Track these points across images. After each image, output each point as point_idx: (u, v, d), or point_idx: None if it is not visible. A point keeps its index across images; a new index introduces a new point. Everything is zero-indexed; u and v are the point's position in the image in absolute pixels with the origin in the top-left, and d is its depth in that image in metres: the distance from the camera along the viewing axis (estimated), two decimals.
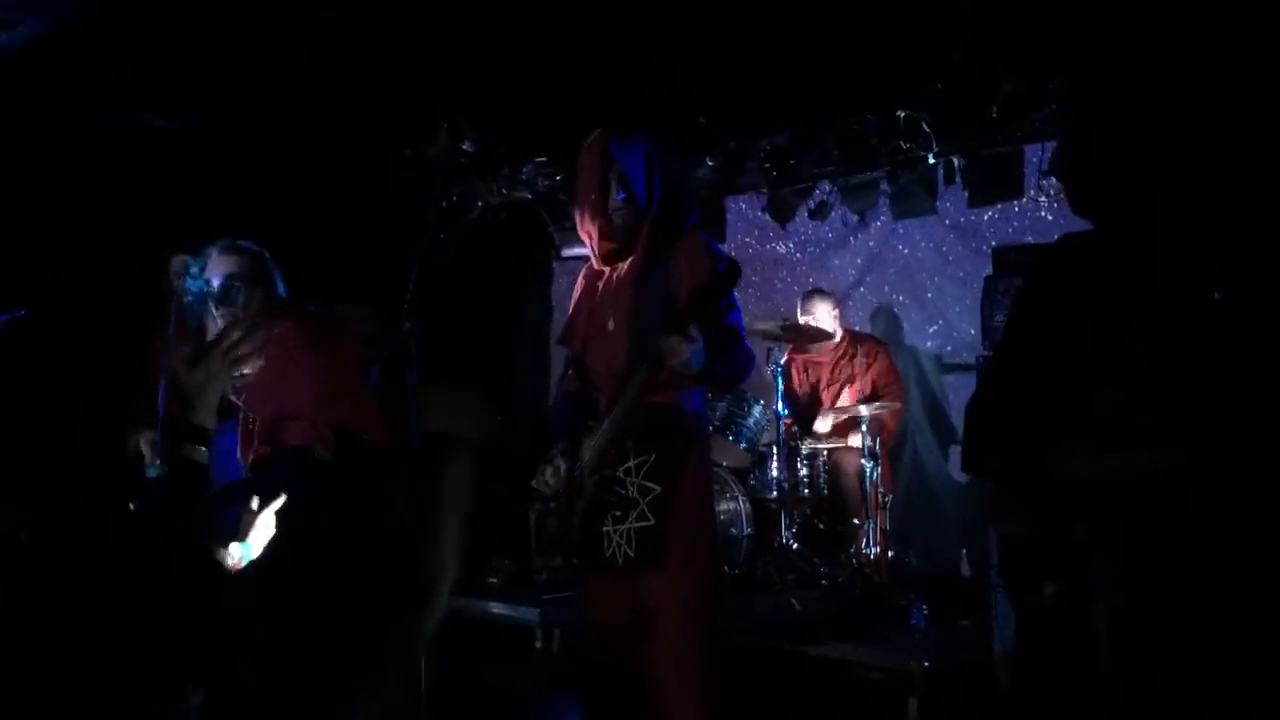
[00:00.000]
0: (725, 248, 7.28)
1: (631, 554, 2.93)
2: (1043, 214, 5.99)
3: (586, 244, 3.19)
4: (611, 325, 3.08)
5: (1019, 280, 2.59)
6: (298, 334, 3.41)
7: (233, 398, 3.46)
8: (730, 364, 2.98)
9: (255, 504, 2.84)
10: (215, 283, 3.42)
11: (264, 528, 2.83)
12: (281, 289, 3.54)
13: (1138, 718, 2.06)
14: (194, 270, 3.46)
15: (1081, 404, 2.10)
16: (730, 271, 2.88)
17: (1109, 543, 2.06)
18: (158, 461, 3.80)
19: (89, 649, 1.27)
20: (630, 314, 3.02)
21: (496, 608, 6.09)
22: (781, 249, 7.40)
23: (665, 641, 2.88)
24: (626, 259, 3.10)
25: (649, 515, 2.92)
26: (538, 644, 5.81)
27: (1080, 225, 2.29)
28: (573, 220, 3.40)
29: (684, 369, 2.81)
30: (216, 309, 3.43)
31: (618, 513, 2.96)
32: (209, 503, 3.37)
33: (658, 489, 2.92)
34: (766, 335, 5.84)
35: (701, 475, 3.05)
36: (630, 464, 2.97)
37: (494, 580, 6.49)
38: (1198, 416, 2.00)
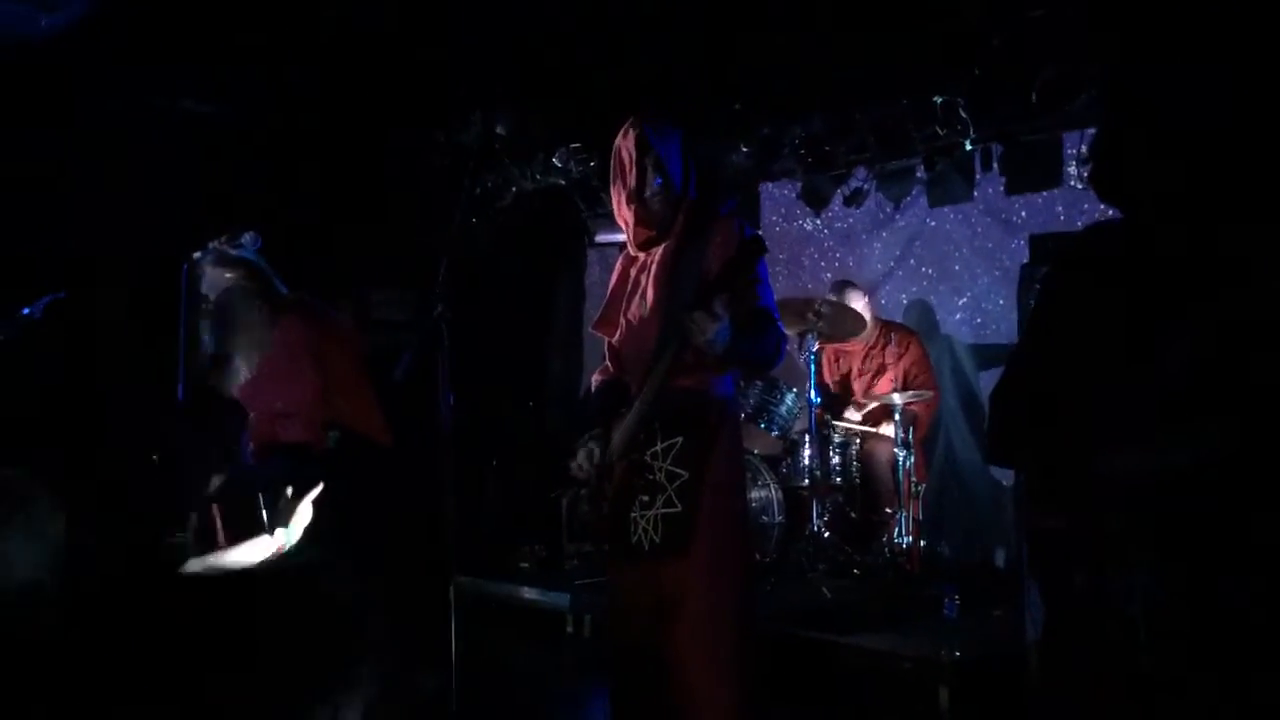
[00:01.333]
0: (759, 233, 7.32)
1: (657, 540, 2.91)
2: (1081, 202, 5.91)
3: (623, 230, 3.19)
4: (645, 310, 3.07)
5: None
6: (298, 332, 3.44)
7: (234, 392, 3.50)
8: (759, 346, 2.95)
9: (290, 492, 2.86)
10: (213, 299, 3.44)
11: (303, 514, 2.85)
12: (279, 282, 3.56)
13: (1170, 710, 2.04)
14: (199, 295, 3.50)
15: (1117, 397, 2.07)
16: (755, 242, 2.86)
17: (1144, 536, 2.04)
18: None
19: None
20: (664, 299, 3.00)
21: (528, 593, 6.12)
22: (816, 235, 7.36)
23: (692, 627, 2.87)
24: (662, 245, 3.09)
25: (676, 501, 2.90)
26: (569, 629, 5.83)
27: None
28: (606, 206, 3.40)
29: (709, 348, 2.77)
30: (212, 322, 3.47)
31: (645, 498, 2.94)
32: (241, 486, 3.41)
33: (685, 474, 2.90)
34: (801, 318, 5.81)
35: (731, 461, 3.02)
36: (658, 448, 2.96)
37: (526, 565, 6.53)
38: (1235, 413, 1.98)
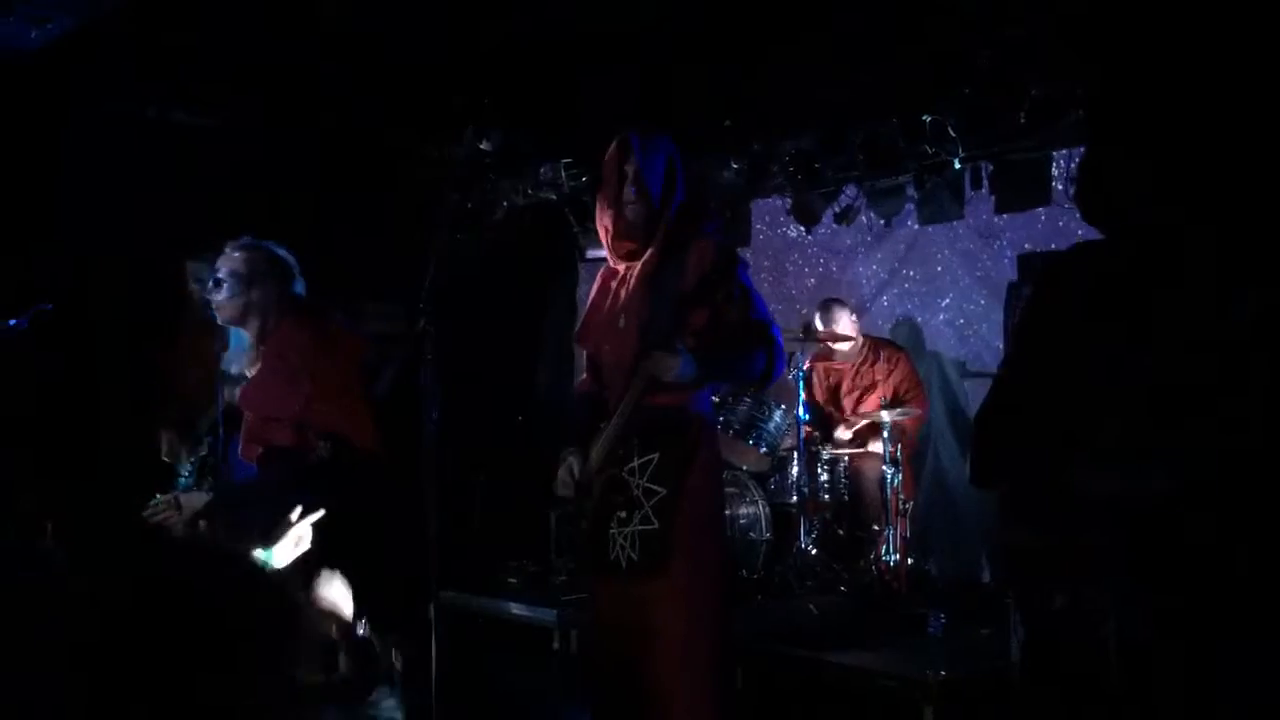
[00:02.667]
0: (748, 250, 7.34)
1: (635, 557, 2.91)
2: (1070, 220, 5.93)
3: (602, 239, 3.20)
4: (623, 323, 3.08)
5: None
6: (295, 337, 3.43)
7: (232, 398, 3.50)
8: (744, 363, 2.95)
9: (295, 515, 2.83)
10: (217, 274, 3.45)
11: (295, 540, 2.82)
12: (299, 288, 3.55)
13: None
14: (210, 276, 3.50)
15: (1091, 418, 2.08)
16: (728, 253, 2.87)
17: (1118, 556, 2.04)
18: (189, 461, 3.85)
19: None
20: (641, 313, 3.01)
21: (515, 608, 6.10)
22: (806, 253, 7.36)
23: (669, 646, 2.86)
24: (641, 259, 3.10)
25: (653, 519, 2.89)
26: (555, 645, 5.81)
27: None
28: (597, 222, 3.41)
29: (678, 380, 2.79)
30: (212, 296, 3.47)
31: (622, 514, 2.94)
32: (229, 502, 3.40)
33: (662, 491, 2.90)
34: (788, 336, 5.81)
35: (709, 478, 3.02)
36: (635, 464, 2.95)
37: (513, 581, 6.50)
38: (1204, 437, 1.99)
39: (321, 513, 2.82)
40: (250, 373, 3.52)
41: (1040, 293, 2.38)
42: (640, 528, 2.91)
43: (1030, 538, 2.21)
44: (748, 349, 2.97)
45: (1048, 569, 2.17)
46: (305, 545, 2.81)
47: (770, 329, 3.02)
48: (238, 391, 3.57)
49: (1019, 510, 2.27)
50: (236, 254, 3.53)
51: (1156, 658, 2.01)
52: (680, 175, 3.12)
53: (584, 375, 3.33)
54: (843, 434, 6.20)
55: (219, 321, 3.53)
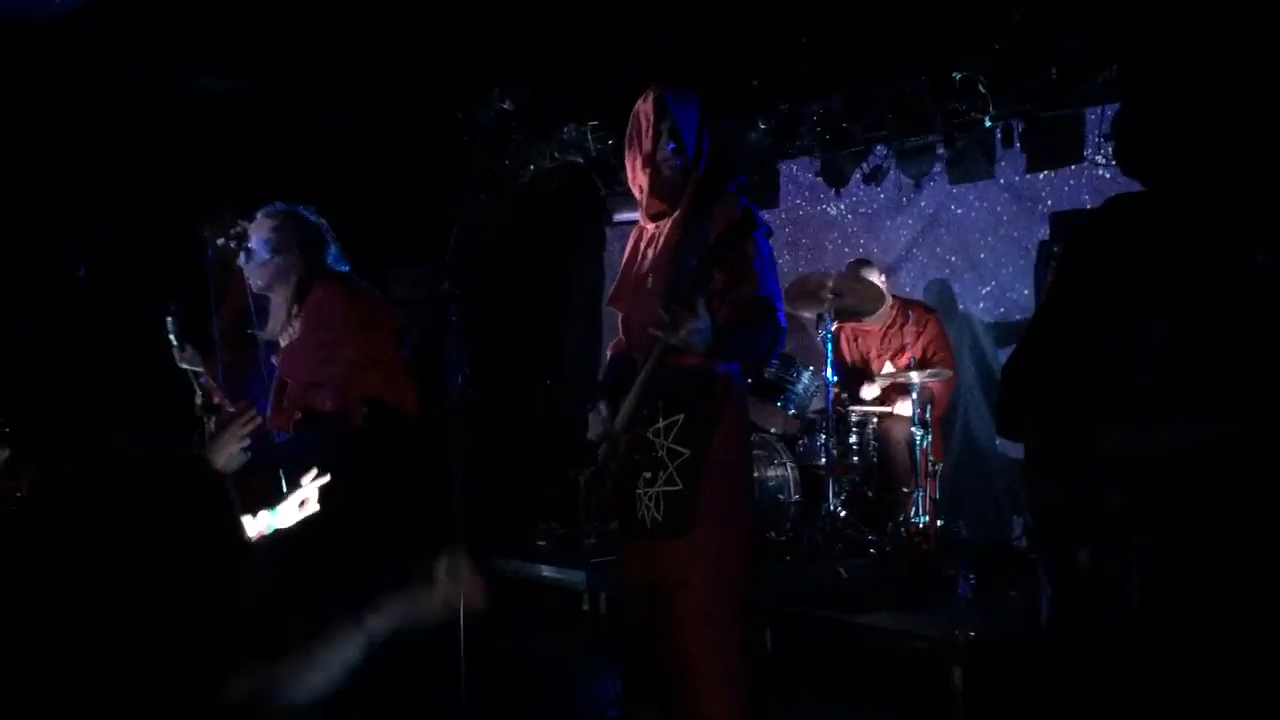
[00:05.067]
0: (777, 212, 7.29)
1: (659, 518, 2.90)
2: (1102, 179, 5.85)
3: (636, 197, 3.17)
4: (651, 284, 3.05)
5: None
6: (335, 302, 3.44)
7: (273, 360, 3.50)
8: (751, 343, 2.91)
9: (308, 478, 2.85)
10: (250, 243, 3.46)
11: (298, 502, 2.84)
12: (332, 255, 3.56)
13: (1168, 685, 2.04)
14: (233, 234, 3.50)
15: (1122, 372, 2.06)
16: (747, 216, 2.83)
17: (1141, 515, 2.03)
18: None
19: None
20: (668, 273, 2.98)
21: (545, 571, 6.14)
22: (835, 214, 7.31)
23: (695, 606, 2.86)
24: (670, 217, 3.07)
25: (677, 480, 2.88)
26: (585, 607, 5.85)
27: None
28: (624, 184, 3.37)
29: (686, 346, 2.75)
30: (244, 264, 3.48)
31: (648, 474, 2.93)
32: (268, 464, 3.42)
33: (687, 453, 2.89)
34: (815, 298, 5.77)
35: (734, 439, 2.99)
36: (660, 425, 2.94)
37: (543, 544, 6.54)
38: (1237, 389, 1.97)
39: (328, 477, 2.83)
40: (283, 340, 3.54)
41: (1073, 248, 2.36)
42: (665, 489, 2.90)
43: (1057, 494, 2.20)
44: (758, 328, 2.92)
45: (1073, 526, 2.16)
46: (311, 507, 2.82)
47: (775, 306, 2.96)
48: (272, 358, 3.59)
49: (1046, 466, 2.26)
50: (267, 221, 3.54)
51: (1186, 622, 1.99)
52: (709, 131, 3.08)
53: (618, 337, 3.32)
54: (869, 391, 6.16)
55: (252, 289, 3.55)
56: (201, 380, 3.50)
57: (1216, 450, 1.97)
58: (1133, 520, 2.03)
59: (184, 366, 3.60)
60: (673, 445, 2.91)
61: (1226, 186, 2.11)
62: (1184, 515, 1.99)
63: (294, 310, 3.51)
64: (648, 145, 3.05)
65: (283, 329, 3.54)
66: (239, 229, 3.58)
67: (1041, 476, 2.27)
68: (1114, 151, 2.34)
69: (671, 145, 3.01)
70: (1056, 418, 2.21)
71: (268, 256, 3.48)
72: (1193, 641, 2.00)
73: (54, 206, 5.41)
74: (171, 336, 3.56)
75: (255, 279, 3.50)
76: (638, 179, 3.13)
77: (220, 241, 3.64)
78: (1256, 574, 1.96)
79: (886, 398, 6.15)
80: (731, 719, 2.87)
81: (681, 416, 2.92)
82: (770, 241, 3.00)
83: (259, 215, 3.52)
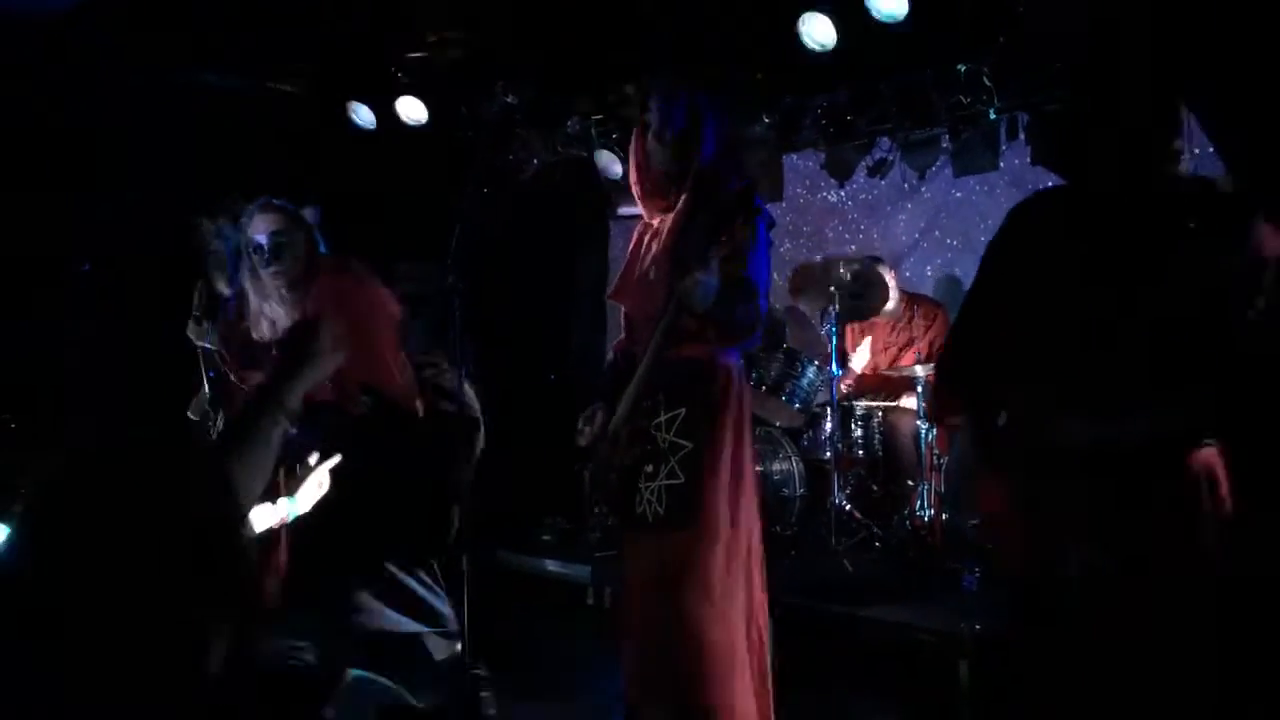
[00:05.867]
0: (782, 205, 7.27)
1: (661, 511, 2.90)
2: None
3: (635, 192, 3.17)
4: (653, 276, 3.05)
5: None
6: (333, 290, 3.43)
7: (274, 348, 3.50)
8: (735, 315, 2.90)
9: (314, 460, 2.85)
10: (262, 240, 3.42)
11: (315, 485, 2.84)
12: (321, 245, 3.55)
13: (1102, 676, 2.10)
14: (226, 230, 3.49)
15: (1075, 366, 2.13)
16: (745, 195, 2.83)
17: (1081, 504, 2.12)
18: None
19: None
20: (669, 266, 2.98)
21: (549, 565, 6.14)
22: (840, 206, 7.29)
23: (698, 601, 2.86)
24: (672, 211, 3.07)
25: (679, 473, 2.88)
26: (589, 601, 5.83)
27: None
28: (628, 178, 3.38)
29: (690, 302, 2.75)
30: (268, 267, 3.45)
31: (649, 468, 2.93)
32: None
33: (688, 446, 2.88)
34: (823, 291, 5.76)
35: (737, 432, 2.98)
36: (662, 419, 2.94)
37: (547, 538, 6.54)
38: (1197, 383, 2.04)
39: (338, 458, 2.83)
40: (275, 330, 3.52)
41: (1000, 240, 2.43)
42: (666, 482, 2.90)
43: (999, 484, 2.28)
44: (740, 302, 2.89)
45: (1019, 516, 2.23)
46: (325, 489, 2.83)
47: (758, 290, 2.92)
48: (272, 345, 3.57)
49: (987, 457, 2.33)
50: (269, 215, 3.51)
51: (1121, 602, 2.11)
52: (710, 128, 3.05)
53: (621, 335, 3.31)
54: (856, 363, 6.14)
55: (280, 287, 3.50)
56: (212, 352, 3.51)
57: (1168, 442, 2.08)
58: (1076, 509, 2.13)
59: (197, 343, 3.60)
60: (674, 438, 2.91)
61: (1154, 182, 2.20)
62: (1124, 505, 2.10)
63: (297, 298, 3.49)
64: (644, 142, 3.05)
65: (286, 317, 3.52)
66: (235, 208, 3.58)
67: (986, 468, 2.35)
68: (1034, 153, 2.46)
69: (654, 141, 3.01)
70: (978, 403, 2.31)
71: (285, 250, 3.46)
72: (1129, 629, 2.10)
73: (53, 206, 5.40)
74: (195, 311, 3.57)
75: (286, 275, 3.46)
76: (634, 175, 3.15)
77: (233, 228, 3.65)
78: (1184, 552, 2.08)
79: (891, 391, 6.13)
80: (735, 714, 2.86)
81: (683, 410, 2.92)
82: (771, 233, 2.99)
83: (255, 211, 3.49)
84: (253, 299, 3.50)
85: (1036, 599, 2.24)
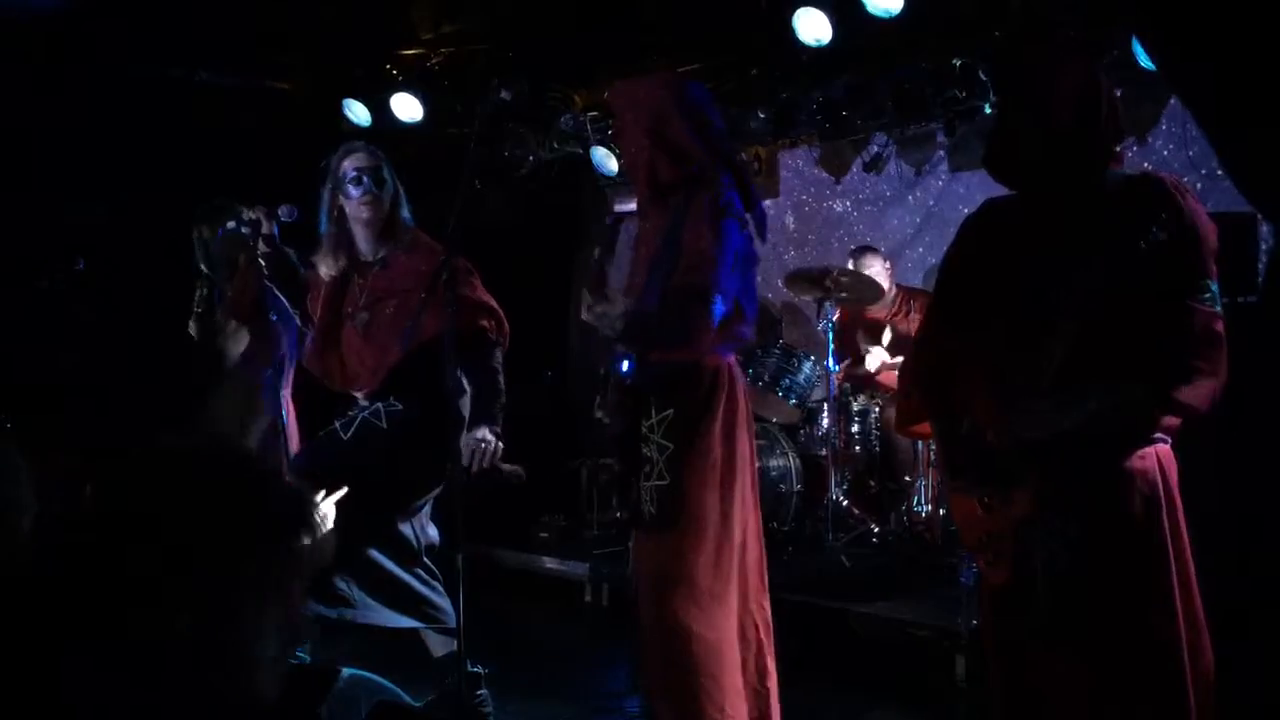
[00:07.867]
0: (777, 201, 7.26)
1: (653, 511, 2.92)
2: None
3: (634, 188, 3.18)
4: (637, 277, 3.06)
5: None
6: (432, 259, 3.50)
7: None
8: (656, 332, 2.92)
9: (320, 496, 2.84)
10: (353, 170, 3.59)
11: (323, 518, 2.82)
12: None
13: (1061, 662, 2.24)
14: (229, 224, 3.51)
15: (1026, 359, 2.20)
16: (712, 206, 2.86)
17: (1040, 495, 2.20)
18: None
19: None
20: (651, 266, 2.98)
21: (547, 562, 6.15)
22: (835, 203, 7.28)
23: (698, 599, 2.87)
24: (657, 213, 3.06)
25: (665, 474, 2.91)
26: (587, 598, 5.84)
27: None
28: (624, 175, 3.37)
29: (599, 329, 2.87)
30: (359, 193, 3.59)
31: (646, 469, 2.96)
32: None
33: (671, 447, 2.91)
34: (819, 287, 5.76)
35: (725, 431, 2.96)
36: (653, 420, 2.96)
37: (545, 535, 6.54)
38: (1140, 364, 2.15)
39: (344, 490, 2.80)
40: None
41: (952, 250, 2.64)
42: (656, 483, 2.92)
43: (962, 482, 2.37)
44: (671, 318, 2.88)
45: (983, 509, 2.30)
46: (330, 523, 2.79)
47: (709, 296, 2.83)
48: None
49: (947, 455, 2.43)
50: (360, 153, 3.64)
51: (1080, 589, 2.21)
52: (688, 125, 2.97)
53: None
54: (871, 362, 6.11)
55: (364, 217, 3.60)
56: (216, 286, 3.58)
57: (1103, 433, 2.16)
58: (1037, 500, 2.21)
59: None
60: (661, 440, 2.92)
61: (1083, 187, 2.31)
62: (1078, 495, 2.20)
63: (376, 235, 3.61)
64: (638, 140, 3.03)
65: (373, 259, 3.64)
66: (253, 216, 3.59)
67: (947, 464, 2.45)
68: (987, 158, 2.50)
69: (622, 140, 3.02)
70: (940, 409, 2.41)
71: (377, 187, 3.58)
72: (1089, 614, 2.21)
73: (46, 201, 5.40)
74: (196, 309, 3.64)
75: (374, 209, 3.58)
76: (631, 173, 3.19)
77: (231, 225, 3.66)
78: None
79: (889, 386, 6.13)
80: (725, 713, 2.87)
81: (671, 411, 2.93)
82: (745, 232, 2.95)
83: (344, 150, 3.63)
84: (330, 238, 3.62)
85: (1006, 599, 2.30)
